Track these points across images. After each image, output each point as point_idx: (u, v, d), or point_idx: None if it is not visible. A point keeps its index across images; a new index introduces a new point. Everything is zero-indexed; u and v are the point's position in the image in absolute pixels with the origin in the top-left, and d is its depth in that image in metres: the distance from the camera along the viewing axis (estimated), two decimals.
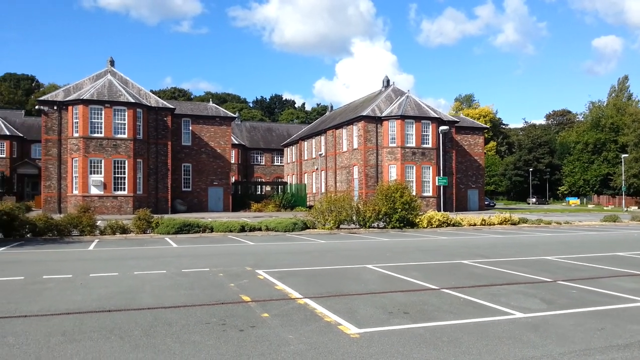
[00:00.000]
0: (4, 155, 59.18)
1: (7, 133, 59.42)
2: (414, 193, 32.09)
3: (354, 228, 25.32)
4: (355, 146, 47.43)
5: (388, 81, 52.37)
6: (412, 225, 25.96)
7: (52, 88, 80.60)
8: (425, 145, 45.46)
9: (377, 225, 26.10)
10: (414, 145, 45.15)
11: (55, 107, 37.58)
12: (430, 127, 45.69)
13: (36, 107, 44.14)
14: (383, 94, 49.85)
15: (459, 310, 7.89)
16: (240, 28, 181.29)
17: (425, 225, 26.22)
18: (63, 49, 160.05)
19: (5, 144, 59.32)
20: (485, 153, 59.79)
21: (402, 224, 25.52)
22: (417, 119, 45.37)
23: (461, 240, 20.36)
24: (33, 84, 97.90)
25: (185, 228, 21.67)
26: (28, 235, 20.00)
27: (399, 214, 25.37)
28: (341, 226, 25.28)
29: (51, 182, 37.76)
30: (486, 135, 63.09)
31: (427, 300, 8.62)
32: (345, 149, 49.76)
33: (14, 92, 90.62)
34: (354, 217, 25.51)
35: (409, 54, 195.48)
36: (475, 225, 27.88)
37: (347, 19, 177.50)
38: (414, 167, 45.11)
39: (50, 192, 37.75)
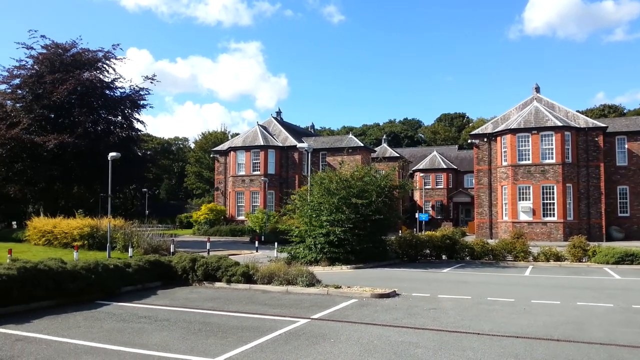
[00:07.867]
0: (442, 186, 67.16)
1: (444, 166, 67.36)
2: None
3: None
4: None
5: None
6: None
7: (480, 122, 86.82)
8: None
9: None
10: None
11: (485, 139, 40.32)
12: None
13: (468, 141, 48.54)
14: None
15: None
16: None
17: None
18: (489, 83, 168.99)
19: (442, 176, 67.37)
20: None
21: None
22: None
23: None
24: (463, 121, 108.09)
25: (627, 258, 19.39)
26: (467, 258, 21.88)
27: None
28: None
29: (483, 209, 40.38)
30: None
31: None
32: None
33: (448, 130, 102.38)
34: None
35: None
36: None
37: None
38: None
39: (482, 219, 40.35)
